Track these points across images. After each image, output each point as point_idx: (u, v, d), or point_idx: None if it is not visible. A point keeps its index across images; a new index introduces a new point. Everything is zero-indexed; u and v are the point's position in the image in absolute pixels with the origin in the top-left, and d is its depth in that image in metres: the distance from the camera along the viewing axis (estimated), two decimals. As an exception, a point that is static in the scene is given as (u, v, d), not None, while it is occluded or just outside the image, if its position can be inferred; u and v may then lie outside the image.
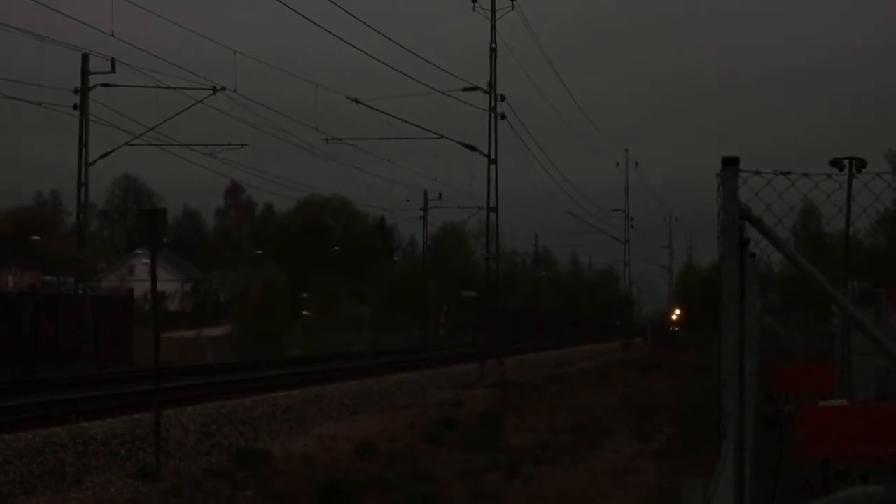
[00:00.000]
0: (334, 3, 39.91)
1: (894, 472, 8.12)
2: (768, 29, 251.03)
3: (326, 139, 63.48)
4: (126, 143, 54.60)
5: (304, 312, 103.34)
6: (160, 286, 25.64)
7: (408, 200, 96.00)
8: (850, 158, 14.24)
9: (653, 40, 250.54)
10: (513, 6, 63.44)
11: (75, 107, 51.30)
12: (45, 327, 47.49)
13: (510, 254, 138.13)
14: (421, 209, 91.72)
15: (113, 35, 45.50)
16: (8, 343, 45.04)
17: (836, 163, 14.33)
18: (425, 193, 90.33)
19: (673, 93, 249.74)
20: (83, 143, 51.93)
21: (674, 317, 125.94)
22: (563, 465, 21.65)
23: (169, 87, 52.17)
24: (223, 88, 52.34)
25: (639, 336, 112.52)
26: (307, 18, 43.45)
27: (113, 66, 50.61)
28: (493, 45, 62.13)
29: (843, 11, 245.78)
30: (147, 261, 38.02)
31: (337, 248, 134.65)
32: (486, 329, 64.67)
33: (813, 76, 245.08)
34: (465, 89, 60.32)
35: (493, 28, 62.64)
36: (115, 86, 51.83)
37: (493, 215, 62.62)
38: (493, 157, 61.09)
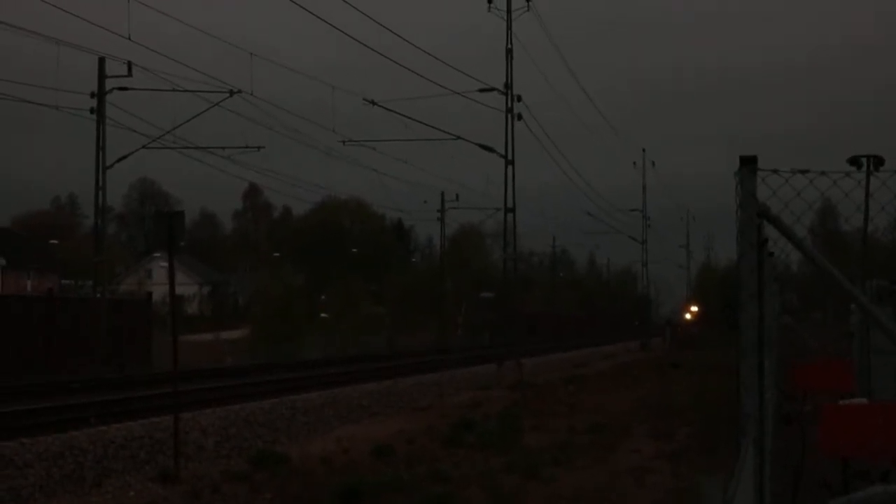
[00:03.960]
0: (350, 5, 39.94)
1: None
2: (788, 23, 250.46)
3: (343, 141, 63.58)
4: (143, 147, 54.69)
5: (322, 315, 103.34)
6: (178, 289, 25.67)
7: (425, 202, 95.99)
8: (868, 156, 14.22)
9: (668, 40, 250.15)
10: (528, 6, 63.46)
11: (92, 110, 51.36)
12: (63, 331, 47.59)
13: (528, 254, 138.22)
14: (438, 211, 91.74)
15: (129, 38, 45.60)
16: (26, 347, 45.16)
17: (854, 161, 14.30)
18: (442, 195, 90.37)
19: (691, 91, 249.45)
20: (100, 147, 52.01)
21: (688, 315, 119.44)
22: (582, 465, 21.63)
23: (185, 91, 52.21)
24: (240, 91, 52.38)
25: (657, 335, 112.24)
26: (323, 20, 43.42)
27: (129, 69, 50.66)
28: (510, 46, 62.19)
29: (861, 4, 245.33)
30: (165, 264, 38.12)
31: (354, 249, 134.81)
32: (504, 330, 64.64)
33: (832, 69, 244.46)
34: (482, 90, 60.32)
35: (508, 29, 62.70)
36: (131, 89, 51.87)
37: (510, 216, 62.64)
38: (510, 158, 61.10)
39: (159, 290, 75.00)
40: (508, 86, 61.38)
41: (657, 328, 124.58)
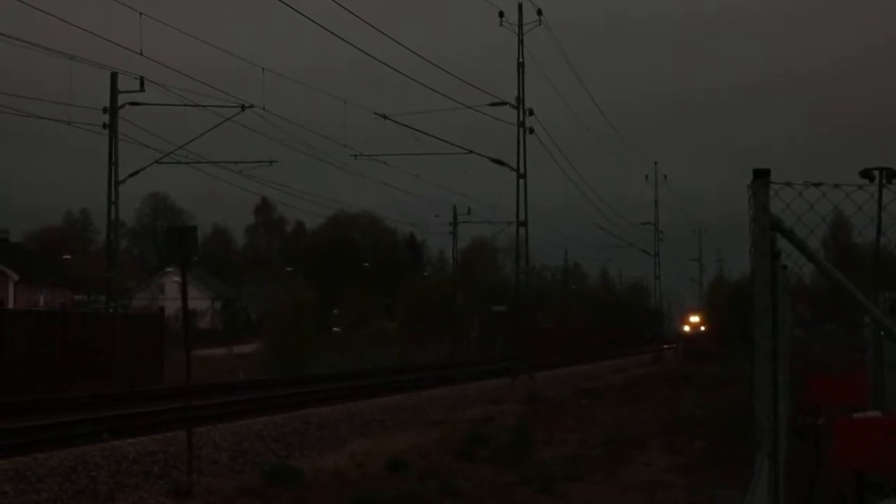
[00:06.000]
0: (361, 20, 40.01)
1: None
2: (795, 36, 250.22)
3: (355, 155, 63.56)
4: (155, 162, 54.71)
5: (335, 329, 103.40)
6: (190, 304, 25.69)
7: (437, 216, 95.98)
8: (881, 169, 14.21)
9: (679, 53, 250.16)
10: (539, 21, 63.50)
11: (104, 125, 51.42)
12: (76, 346, 47.63)
13: (540, 268, 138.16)
14: (450, 224, 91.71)
15: (141, 53, 45.68)
16: (39, 362, 45.22)
17: (867, 173, 14.28)
18: (454, 208, 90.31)
19: (702, 104, 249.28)
20: (112, 162, 52.06)
21: (686, 328, 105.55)
22: (594, 479, 21.58)
23: (197, 105, 52.25)
24: (252, 106, 52.42)
25: (670, 348, 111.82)
26: (335, 34, 43.43)
27: (142, 84, 50.73)
28: (521, 60, 62.18)
29: (872, 12, 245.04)
30: (177, 279, 38.12)
31: (366, 264, 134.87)
32: (517, 343, 64.56)
33: (844, 81, 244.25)
34: (493, 104, 60.33)
35: (520, 42, 62.70)
36: (143, 104, 51.93)
37: (522, 230, 62.59)
38: (521, 171, 61.09)
39: (172, 305, 75.10)
40: (520, 99, 61.38)
41: (670, 341, 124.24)
